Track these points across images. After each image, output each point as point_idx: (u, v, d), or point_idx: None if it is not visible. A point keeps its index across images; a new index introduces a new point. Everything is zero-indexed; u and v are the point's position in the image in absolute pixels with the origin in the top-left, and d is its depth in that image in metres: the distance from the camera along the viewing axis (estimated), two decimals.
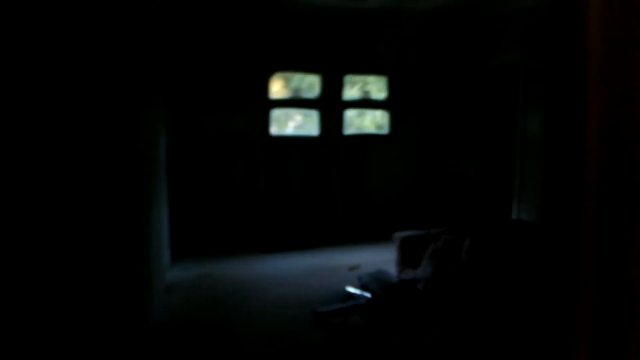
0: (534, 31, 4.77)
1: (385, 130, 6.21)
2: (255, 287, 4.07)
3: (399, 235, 4.11)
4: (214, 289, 4.06)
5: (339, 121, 5.87)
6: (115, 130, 2.22)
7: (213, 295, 3.90)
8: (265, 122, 5.51)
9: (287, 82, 5.96)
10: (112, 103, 2.15)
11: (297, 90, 5.87)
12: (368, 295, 3.56)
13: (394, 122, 6.13)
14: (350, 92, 6.06)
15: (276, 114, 5.77)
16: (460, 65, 6.09)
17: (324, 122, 5.80)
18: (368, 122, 6.50)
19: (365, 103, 6.10)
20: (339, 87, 5.84)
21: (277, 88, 5.81)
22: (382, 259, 4.75)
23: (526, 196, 5.06)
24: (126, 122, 2.47)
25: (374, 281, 3.68)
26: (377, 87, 6.19)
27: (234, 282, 4.24)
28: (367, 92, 6.08)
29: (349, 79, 5.99)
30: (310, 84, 5.94)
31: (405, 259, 3.98)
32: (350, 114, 6.03)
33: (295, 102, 5.82)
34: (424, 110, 6.25)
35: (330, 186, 5.87)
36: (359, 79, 6.13)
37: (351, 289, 3.76)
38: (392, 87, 6.08)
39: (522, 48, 4.97)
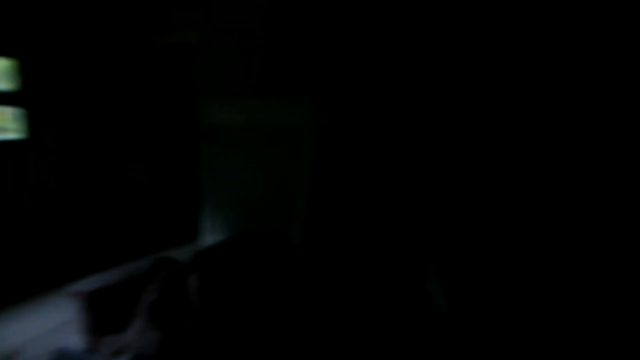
0: (214, 8, 4.12)
1: (18, 134, 4.36)
2: None
3: (83, 289, 2.75)
4: None
5: None
6: None
7: None
8: None
9: None
10: None
11: None
12: None
13: (34, 122, 4.36)
14: None
15: None
16: (123, 46, 4.86)
17: None
18: None
19: None
20: None
21: None
22: (49, 324, 3.19)
23: (218, 198, 4.46)
24: None
25: None
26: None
27: None
28: None
29: None
30: None
31: (100, 322, 2.69)
32: None
33: None
34: (78, 103, 4.75)
35: None
36: None
37: None
38: (27, 74, 4.27)
39: (199, 26, 4.24)
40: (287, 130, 3.87)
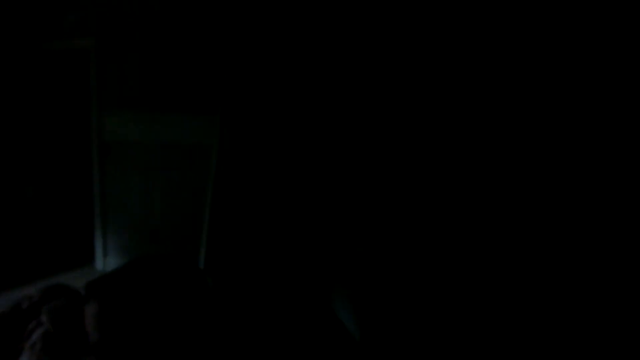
0: (109, 12, 3.91)
1: None
2: None
3: None
4: None
5: None
6: None
7: None
8: None
9: None
10: None
11: None
12: None
13: None
14: None
15: None
16: (4, 48, 4.41)
17: None
18: None
19: None
20: None
21: None
22: None
23: (114, 218, 4.23)
24: None
25: None
26: None
27: None
28: None
29: None
30: None
31: None
32: None
33: None
34: None
35: None
36: None
37: None
38: None
39: (95, 31, 4.00)
40: (188, 147, 3.80)
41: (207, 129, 3.69)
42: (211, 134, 3.67)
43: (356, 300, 2.76)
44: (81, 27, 4.13)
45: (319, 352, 2.52)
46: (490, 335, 1.93)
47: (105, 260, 4.34)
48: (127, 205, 4.17)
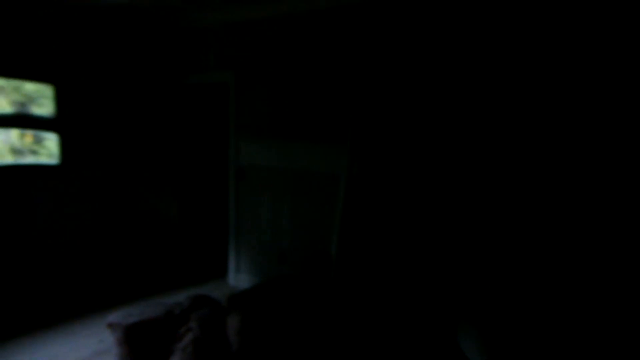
0: (247, 48, 4.27)
1: (53, 159, 4.49)
2: None
3: (120, 321, 2.79)
4: None
5: None
6: None
7: None
8: None
9: None
10: None
11: None
12: None
13: (68, 148, 4.49)
14: None
15: None
16: (155, 83, 5.04)
17: None
18: None
19: (22, 120, 4.22)
20: None
21: None
22: (81, 353, 3.21)
23: (245, 238, 4.51)
24: None
25: None
26: (40, 99, 4.40)
27: None
28: (24, 105, 4.22)
29: None
30: None
31: (136, 356, 2.72)
32: None
33: None
34: (108, 133, 4.87)
35: None
36: (9, 84, 4.19)
37: None
38: (62, 101, 4.43)
39: (232, 66, 4.39)
40: (317, 174, 3.93)
41: (336, 157, 3.79)
42: (340, 161, 3.77)
43: (483, 336, 2.61)
44: (221, 63, 4.57)
45: None
46: None
47: (237, 276, 4.63)
48: (258, 226, 4.43)
